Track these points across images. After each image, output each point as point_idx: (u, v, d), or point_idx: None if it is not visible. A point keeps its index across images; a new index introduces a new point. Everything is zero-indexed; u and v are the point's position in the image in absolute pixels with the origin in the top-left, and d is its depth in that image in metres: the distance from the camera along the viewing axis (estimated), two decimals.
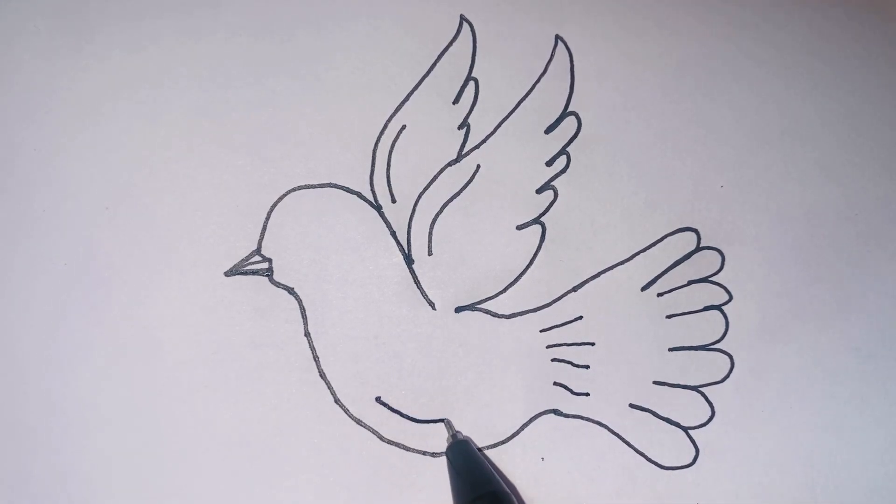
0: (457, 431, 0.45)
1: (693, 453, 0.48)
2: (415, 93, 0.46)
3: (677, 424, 0.48)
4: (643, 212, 0.47)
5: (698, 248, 0.47)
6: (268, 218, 0.45)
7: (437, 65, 0.46)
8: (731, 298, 0.48)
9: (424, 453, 0.46)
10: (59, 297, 0.43)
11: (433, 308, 0.46)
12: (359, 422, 0.45)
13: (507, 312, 0.47)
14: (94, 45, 0.44)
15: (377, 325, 0.45)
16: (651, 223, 0.47)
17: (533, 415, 0.47)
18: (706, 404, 0.48)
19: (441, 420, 0.46)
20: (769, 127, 0.48)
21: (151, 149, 0.44)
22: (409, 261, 0.46)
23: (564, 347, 0.47)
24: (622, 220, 0.47)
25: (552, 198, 0.47)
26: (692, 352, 0.48)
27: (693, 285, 0.47)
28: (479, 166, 0.46)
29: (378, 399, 0.46)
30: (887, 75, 0.49)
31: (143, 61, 0.44)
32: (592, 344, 0.47)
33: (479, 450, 0.45)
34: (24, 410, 0.42)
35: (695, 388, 0.48)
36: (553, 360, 0.47)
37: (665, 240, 0.47)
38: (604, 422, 0.47)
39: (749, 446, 0.48)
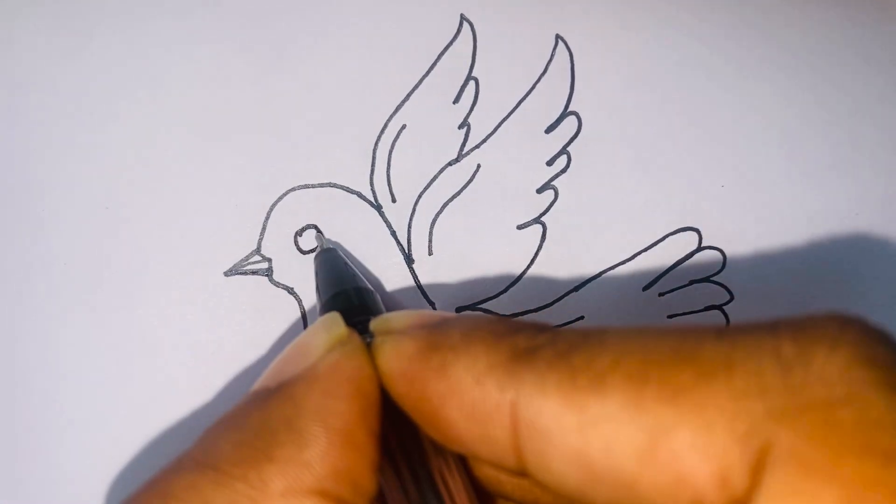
0: (326, 240, 0.44)
1: None
2: (415, 92, 0.46)
3: None
4: (644, 211, 0.47)
5: (700, 248, 0.47)
6: (267, 218, 0.44)
7: (437, 64, 0.46)
8: (732, 298, 0.47)
9: None
10: (59, 297, 0.42)
11: (434, 308, 0.46)
12: None
13: (508, 313, 0.46)
14: (94, 45, 0.44)
15: None
16: (652, 223, 0.47)
17: None
18: None
19: None
20: (769, 127, 0.48)
21: (151, 149, 0.44)
22: (409, 261, 0.46)
23: None
24: (623, 219, 0.47)
25: (553, 198, 0.47)
26: None
27: (694, 285, 0.47)
28: (479, 166, 0.46)
29: None
30: (888, 74, 0.49)
31: (143, 61, 0.44)
32: None
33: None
34: (23, 411, 0.42)
35: None
36: None
37: (666, 240, 0.47)
38: None
39: None
